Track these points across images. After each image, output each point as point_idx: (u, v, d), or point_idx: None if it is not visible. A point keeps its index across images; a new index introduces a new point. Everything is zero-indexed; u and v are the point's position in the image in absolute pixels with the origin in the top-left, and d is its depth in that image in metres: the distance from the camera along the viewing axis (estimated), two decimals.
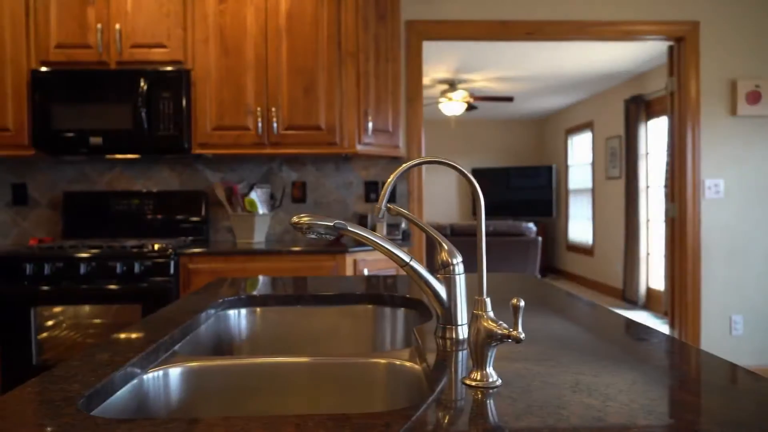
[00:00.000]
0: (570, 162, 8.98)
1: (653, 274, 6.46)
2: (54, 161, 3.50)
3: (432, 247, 5.17)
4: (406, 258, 0.99)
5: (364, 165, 3.62)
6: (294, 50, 3.18)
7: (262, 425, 0.63)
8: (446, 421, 0.64)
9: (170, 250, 2.87)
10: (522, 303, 0.72)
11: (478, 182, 0.79)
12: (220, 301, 1.40)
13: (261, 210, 3.30)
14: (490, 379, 0.75)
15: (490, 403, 0.69)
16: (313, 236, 0.92)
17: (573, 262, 8.84)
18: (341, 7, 3.18)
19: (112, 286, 2.83)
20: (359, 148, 3.21)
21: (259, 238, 3.29)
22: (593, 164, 8.01)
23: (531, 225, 6.51)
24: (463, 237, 6.14)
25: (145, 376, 0.91)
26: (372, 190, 3.61)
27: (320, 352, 1.43)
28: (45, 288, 2.81)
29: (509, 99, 6.98)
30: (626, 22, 3.73)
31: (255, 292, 1.49)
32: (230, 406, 0.98)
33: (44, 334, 2.83)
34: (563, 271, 9.22)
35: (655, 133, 6.40)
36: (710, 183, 3.79)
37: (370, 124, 3.26)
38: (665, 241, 4.18)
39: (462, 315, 1.00)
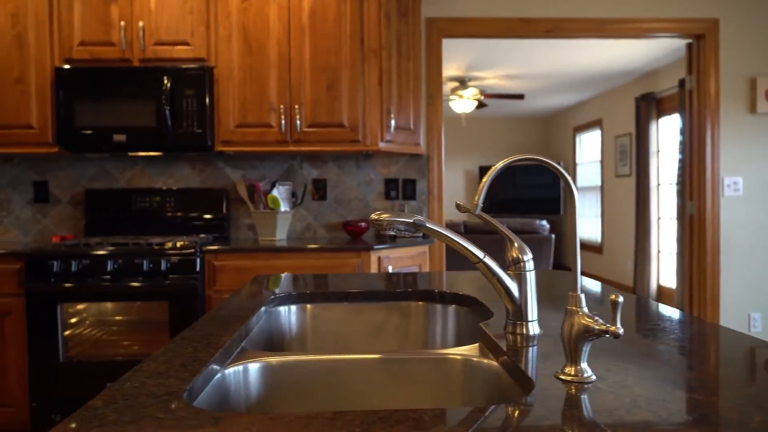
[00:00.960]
0: (578, 160, 8.98)
1: (664, 271, 6.47)
2: (75, 158, 3.51)
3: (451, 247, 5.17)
4: (480, 255, 0.99)
5: (384, 162, 3.62)
6: (317, 47, 3.18)
7: (379, 419, 0.63)
8: (555, 414, 0.65)
9: (196, 247, 2.87)
10: (621, 298, 0.73)
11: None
12: (272, 297, 1.41)
13: (283, 207, 3.30)
14: (585, 374, 0.76)
15: (591, 398, 0.69)
16: (392, 233, 0.92)
17: (581, 260, 8.85)
18: (364, 3, 3.18)
19: (138, 284, 2.83)
20: (381, 145, 3.22)
21: (281, 235, 3.29)
22: (602, 162, 8.02)
23: (544, 222, 6.51)
24: (476, 234, 6.14)
25: (226, 371, 0.92)
26: (392, 187, 3.60)
27: (372, 348, 1.44)
28: (71, 285, 2.82)
29: (520, 96, 6.98)
30: (646, 20, 3.73)
31: (300, 290, 1.50)
32: (309, 401, 0.99)
33: (69, 332, 2.84)
34: (571, 269, 9.22)
35: (666, 131, 6.41)
36: (729, 181, 3.80)
37: (393, 122, 3.26)
38: (682, 238, 4.19)
39: (532, 311, 1.01)
